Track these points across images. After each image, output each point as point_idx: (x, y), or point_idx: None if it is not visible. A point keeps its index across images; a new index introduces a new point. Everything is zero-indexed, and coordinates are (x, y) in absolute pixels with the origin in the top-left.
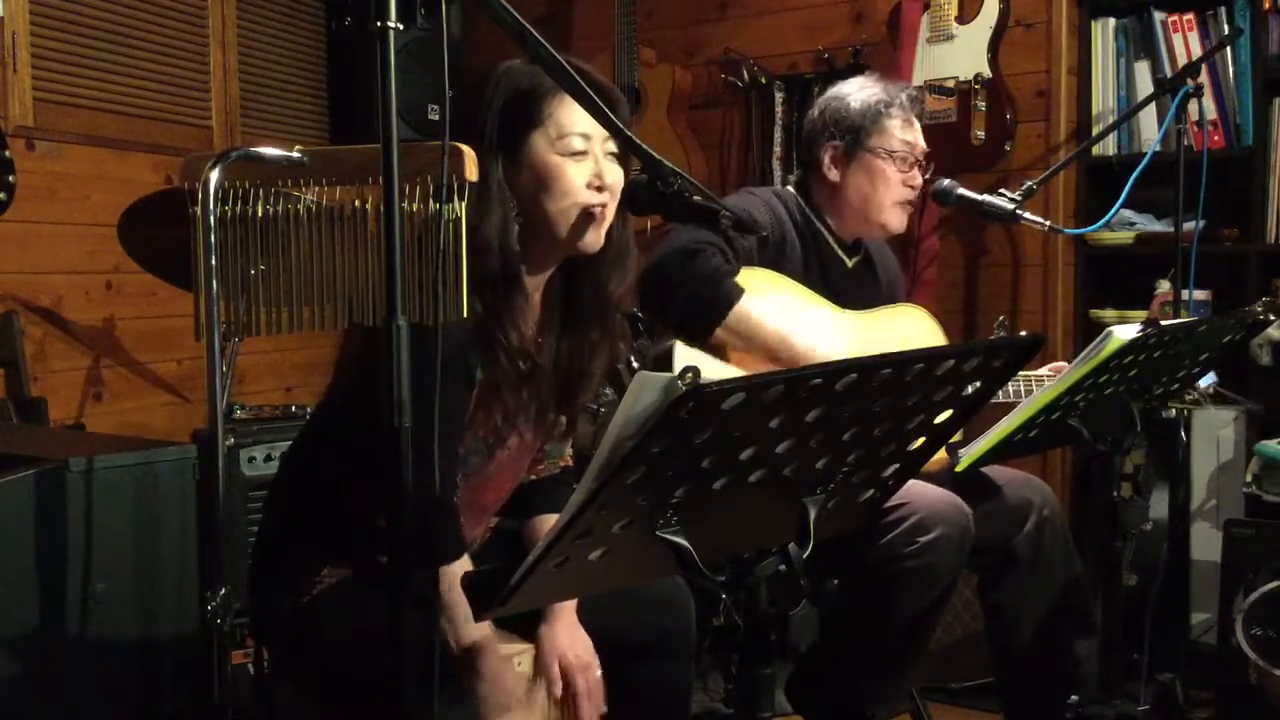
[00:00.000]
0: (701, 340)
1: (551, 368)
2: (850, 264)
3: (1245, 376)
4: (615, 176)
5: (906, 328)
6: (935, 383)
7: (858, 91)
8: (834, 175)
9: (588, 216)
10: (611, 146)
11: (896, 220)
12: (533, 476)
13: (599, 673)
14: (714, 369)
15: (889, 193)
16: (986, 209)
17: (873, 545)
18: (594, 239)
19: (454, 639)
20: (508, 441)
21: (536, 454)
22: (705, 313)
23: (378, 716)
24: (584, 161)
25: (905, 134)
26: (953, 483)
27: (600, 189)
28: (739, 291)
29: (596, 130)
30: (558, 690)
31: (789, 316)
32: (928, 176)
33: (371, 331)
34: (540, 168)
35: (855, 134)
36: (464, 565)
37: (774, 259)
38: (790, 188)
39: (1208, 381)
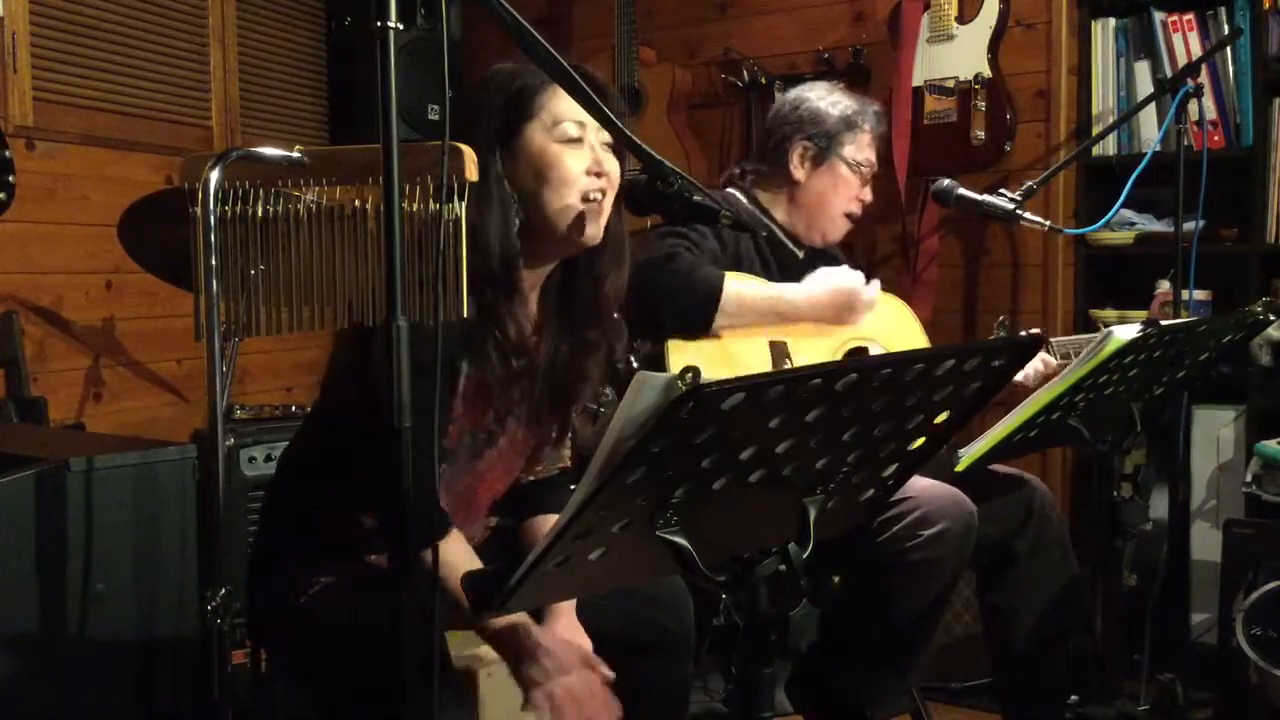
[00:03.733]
0: (701, 335)
1: (548, 368)
2: (801, 255)
3: (1245, 376)
4: (612, 165)
5: (878, 311)
6: (935, 383)
7: (829, 96)
8: (799, 174)
9: (587, 206)
10: (607, 136)
11: (837, 232)
12: (531, 477)
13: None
14: (706, 364)
15: (843, 203)
16: (986, 209)
17: (875, 540)
18: (593, 231)
19: (483, 626)
20: (498, 441)
21: (535, 455)
22: (697, 311)
23: (376, 716)
24: (580, 149)
25: (869, 151)
26: (952, 482)
27: (599, 175)
28: (719, 277)
29: (591, 118)
30: None
31: (767, 283)
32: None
33: (363, 332)
34: (538, 158)
35: (830, 139)
36: (462, 548)
37: (733, 259)
38: (731, 189)
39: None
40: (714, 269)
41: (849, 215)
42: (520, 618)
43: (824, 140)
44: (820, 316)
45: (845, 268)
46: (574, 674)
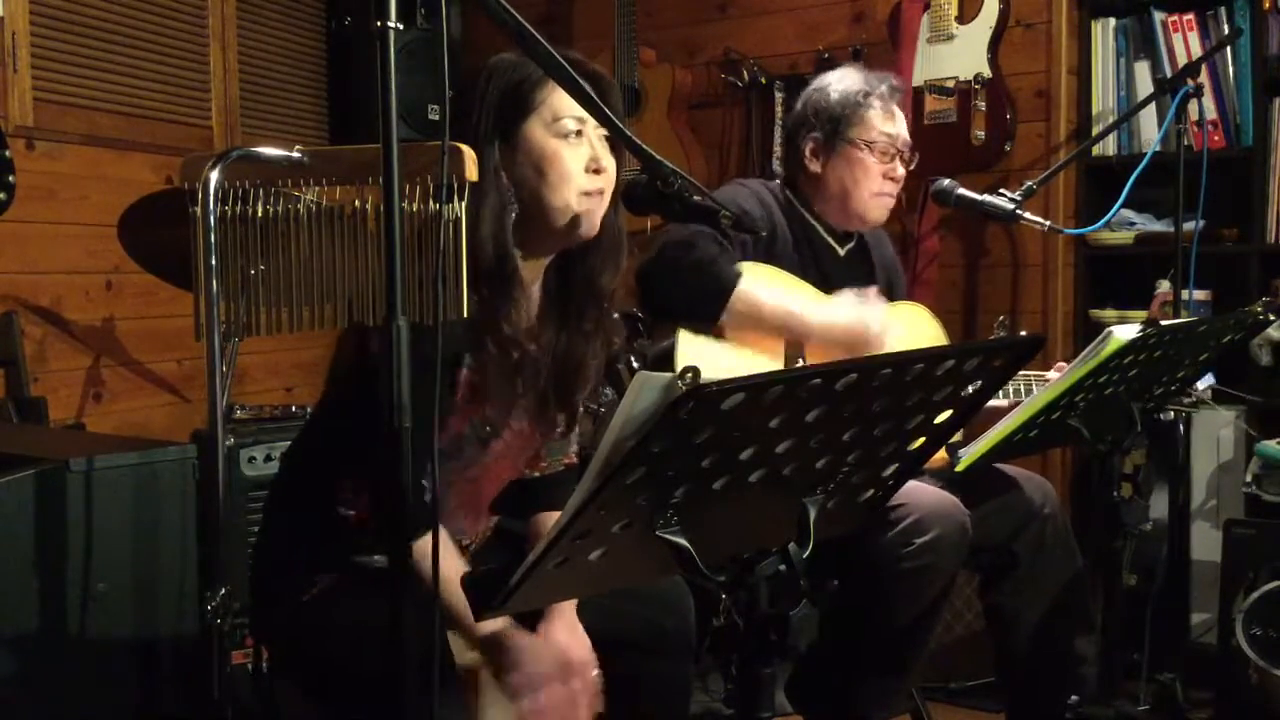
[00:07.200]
0: (709, 326)
1: (550, 359)
2: (842, 252)
3: (1245, 376)
4: (610, 161)
5: (906, 324)
6: (935, 383)
7: (838, 82)
8: (815, 166)
9: (585, 201)
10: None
11: (876, 212)
12: (536, 474)
13: (595, 672)
14: (717, 363)
15: (868, 184)
16: (986, 209)
17: (870, 546)
18: (589, 226)
19: (470, 634)
20: (502, 432)
21: (538, 450)
22: (709, 299)
23: (378, 716)
24: (579, 145)
25: (885, 125)
26: (954, 482)
27: (598, 171)
28: (738, 274)
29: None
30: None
31: (789, 292)
32: (912, 168)
33: (364, 331)
34: (537, 153)
35: (835, 124)
36: (453, 557)
37: (767, 250)
38: (777, 181)
39: (1206, 383)
40: (734, 266)
41: (881, 194)
42: (506, 623)
43: (829, 127)
44: (829, 344)
45: (873, 295)
46: (554, 686)
